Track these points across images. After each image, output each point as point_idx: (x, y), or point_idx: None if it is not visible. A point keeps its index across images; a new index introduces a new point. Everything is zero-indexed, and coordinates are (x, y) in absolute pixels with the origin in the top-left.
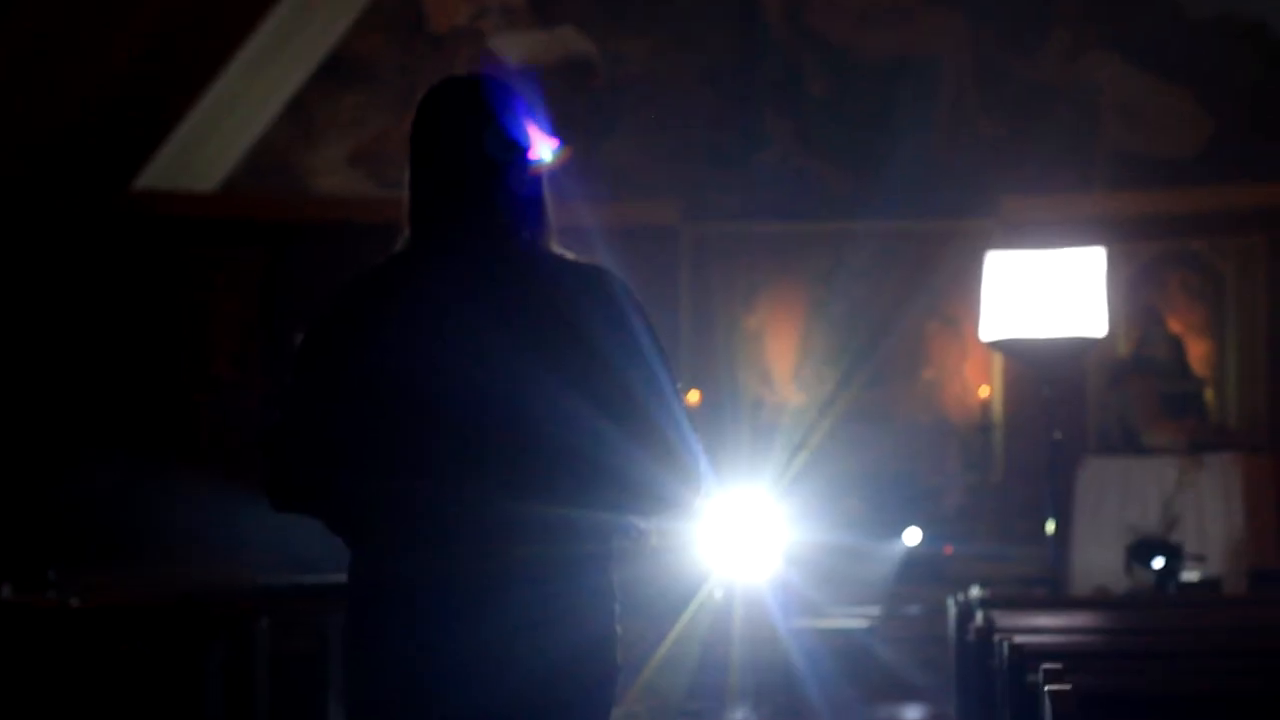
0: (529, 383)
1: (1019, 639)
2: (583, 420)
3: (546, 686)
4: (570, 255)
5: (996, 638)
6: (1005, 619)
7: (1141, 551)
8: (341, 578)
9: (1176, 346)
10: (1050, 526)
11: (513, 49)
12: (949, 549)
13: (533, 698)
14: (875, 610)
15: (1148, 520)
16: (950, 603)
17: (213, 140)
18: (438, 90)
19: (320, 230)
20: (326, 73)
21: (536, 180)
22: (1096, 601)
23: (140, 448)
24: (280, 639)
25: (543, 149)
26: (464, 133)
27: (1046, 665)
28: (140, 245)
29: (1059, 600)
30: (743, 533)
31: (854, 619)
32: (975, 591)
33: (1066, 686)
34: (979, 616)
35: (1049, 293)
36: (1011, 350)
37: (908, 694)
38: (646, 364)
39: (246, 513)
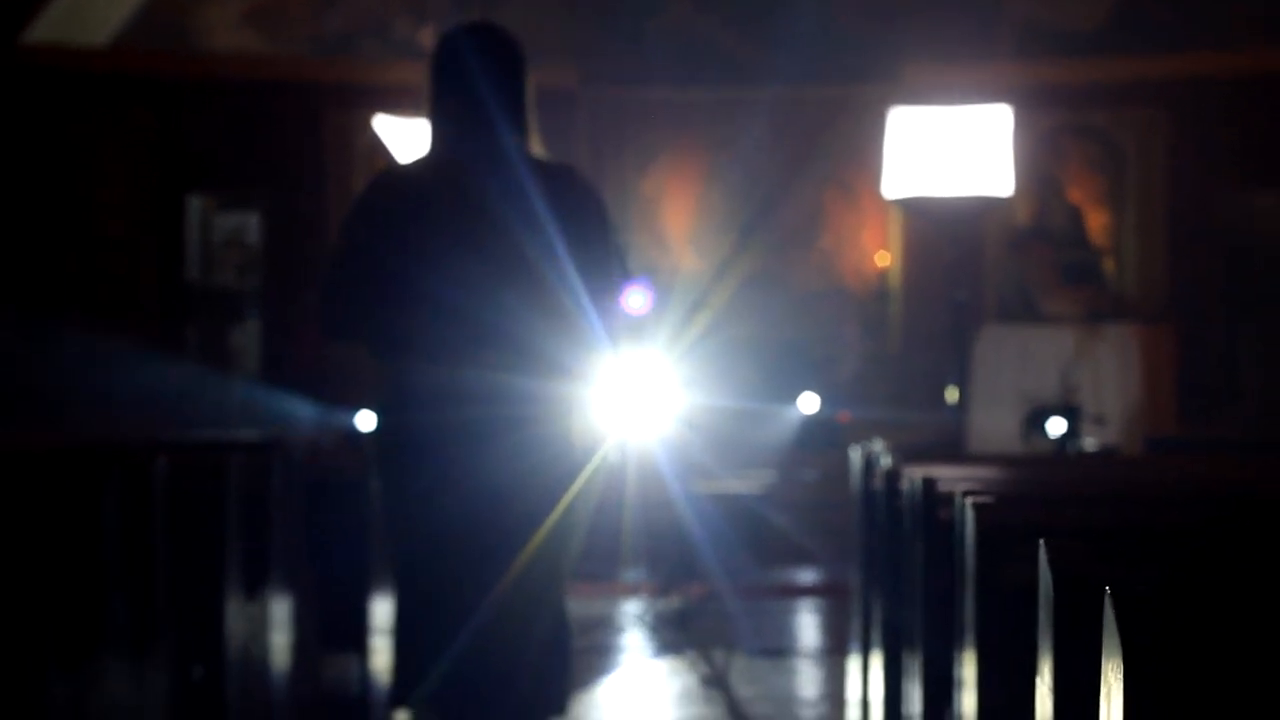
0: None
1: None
2: (504, 301)
3: (528, 477)
4: (546, 156)
5: (905, 480)
6: (912, 469)
7: (1039, 419)
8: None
9: (1075, 216)
10: (954, 393)
11: None
12: (845, 416)
13: (520, 488)
14: (771, 475)
15: (1045, 389)
16: (854, 452)
17: None
18: (456, 35)
19: (213, 89)
20: None
21: (523, 100)
22: (998, 457)
23: (29, 305)
24: (180, 479)
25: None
26: (481, 68)
27: (964, 489)
28: (29, 101)
29: (960, 456)
30: (638, 396)
31: (749, 484)
32: (878, 443)
33: (987, 499)
34: (885, 461)
35: (953, 151)
36: (914, 209)
37: (802, 558)
38: (591, 249)
39: (140, 371)
